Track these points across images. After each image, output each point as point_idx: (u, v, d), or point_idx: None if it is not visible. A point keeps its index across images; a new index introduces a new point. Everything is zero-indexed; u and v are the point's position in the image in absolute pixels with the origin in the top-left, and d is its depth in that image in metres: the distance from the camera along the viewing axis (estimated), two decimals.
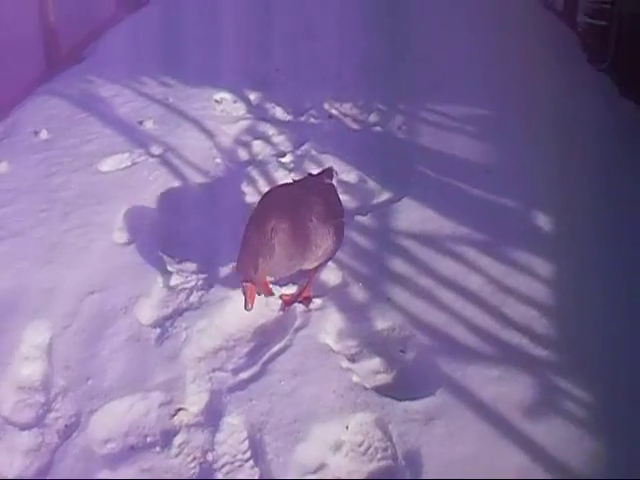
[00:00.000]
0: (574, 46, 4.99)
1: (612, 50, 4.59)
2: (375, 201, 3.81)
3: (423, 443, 2.64)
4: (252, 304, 2.86)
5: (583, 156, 3.91)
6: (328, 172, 3.45)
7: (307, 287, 3.21)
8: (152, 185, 3.93)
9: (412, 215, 3.63)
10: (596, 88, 4.49)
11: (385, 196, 3.83)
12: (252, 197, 3.80)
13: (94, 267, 3.44)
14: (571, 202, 3.62)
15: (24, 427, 2.86)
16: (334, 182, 3.43)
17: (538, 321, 3.05)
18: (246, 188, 3.91)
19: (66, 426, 2.84)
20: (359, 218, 3.67)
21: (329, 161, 4.04)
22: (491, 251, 3.38)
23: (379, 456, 2.67)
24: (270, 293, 2.93)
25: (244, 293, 2.86)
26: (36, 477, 2.69)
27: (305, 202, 3.02)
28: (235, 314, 3.15)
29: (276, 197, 3.09)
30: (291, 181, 3.49)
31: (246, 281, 2.84)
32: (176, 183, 3.95)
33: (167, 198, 3.85)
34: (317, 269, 3.20)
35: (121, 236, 3.65)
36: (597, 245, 3.36)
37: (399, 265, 3.35)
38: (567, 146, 4.01)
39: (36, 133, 4.45)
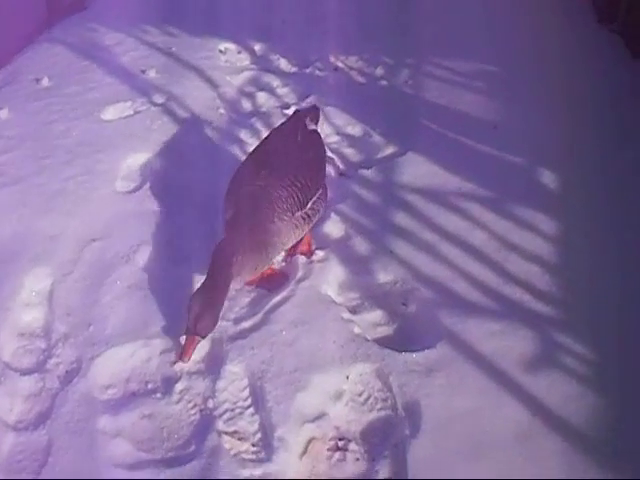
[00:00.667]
0: (584, 5, 4.92)
1: (622, 9, 4.53)
2: (380, 155, 3.79)
3: (423, 394, 2.65)
4: (189, 358, 2.70)
5: (591, 115, 3.87)
6: (314, 112, 3.32)
7: (305, 239, 3.19)
8: (154, 134, 3.89)
9: (417, 169, 3.61)
10: (606, 48, 4.44)
11: (390, 150, 3.80)
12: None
13: (96, 215, 3.43)
14: (577, 161, 3.59)
15: (25, 372, 2.87)
16: (320, 122, 3.35)
17: (541, 277, 3.04)
18: (250, 139, 3.88)
19: (67, 372, 2.85)
20: (363, 172, 3.64)
21: (334, 113, 4.01)
22: (496, 207, 3.36)
23: (379, 406, 2.69)
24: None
25: (185, 343, 2.69)
26: (37, 421, 2.70)
27: (267, 200, 2.87)
28: None
29: (238, 196, 2.93)
30: (271, 134, 3.26)
31: (195, 334, 2.69)
32: (179, 133, 3.92)
33: (170, 147, 3.82)
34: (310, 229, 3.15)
35: (123, 184, 3.63)
36: (602, 204, 3.34)
37: (403, 219, 3.33)
38: (575, 105, 3.97)
39: (37, 80, 4.41)
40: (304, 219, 2.94)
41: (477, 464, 2.46)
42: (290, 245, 2.99)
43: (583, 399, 2.61)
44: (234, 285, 2.82)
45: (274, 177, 2.92)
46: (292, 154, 3.04)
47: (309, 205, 2.95)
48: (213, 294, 2.70)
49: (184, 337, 2.71)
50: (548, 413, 2.58)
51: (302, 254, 3.17)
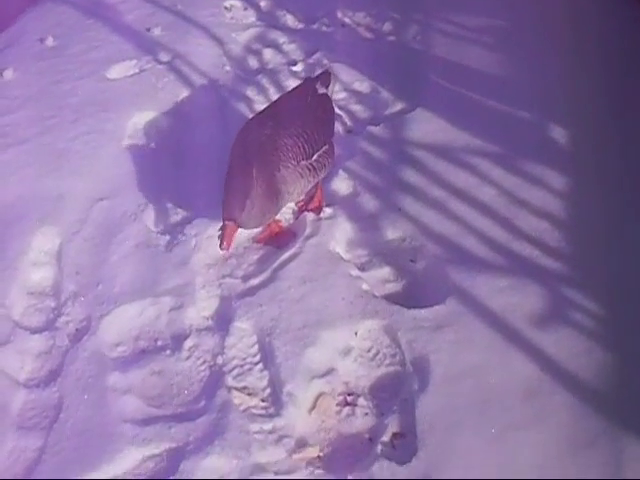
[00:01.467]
0: None
1: None
2: (388, 111, 3.75)
3: (431, 350, 2.66)
4: (229, 246, 2.73)
5: (602, 70, 3.81)
6: (325, 76, 3.28)
7: (316, 197, 3.18)
8: (160, 92, 3.86)
9: (425, 126, 3.58)
10: (618, 2, 4.37)
11: (398, 106, 3.77)
12: (262, 106, 3.72)
13: (102, 174, 3.42)
14: (588, 116, 3.54)
15: (35, 331, 2.89)
16: (332, 86, 3.29)
17: (550, 234, 3.02)
18: (256, 97, 3.85)
19: (77, 330, 2.87)
20: (371, 128, 3.61)
21: (341, 70, 3.96)
22: (505, 163, 3.33)
23: (387, 362, 2.69)
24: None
25: (223, 232, 2.73)
26: (47, 379, 2.72)
27: (272, 147, 2.87)
28: None
29: (246, 144, 2.92)
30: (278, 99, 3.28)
31: (230, 220, 2.71)
32: (185, 91, 3.89)
33: (176, 105, 3.79)
34: (321, 182, 3.17)
35: (129, 143, 3.61)
36: (612, 159, 3.30)
37: (411, 176, 3.31)
38: (585, 60, 3.91)
39: (42, 40, 4.37)
40: (309, 170, 2.92)
41: (485, 418, 2.47)
42: (296, 196, 2.97)
43: (591, 354, 2.61)
44: (247, 220, 2.78)
45: (281, 127, 2.93)
46: (300, 110, 3.04)
47: (315, 157, 2.94)
48: (237, 180, 2.75)
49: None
50: (556, 368, 2.58)
51: (312, 211, 3.15)
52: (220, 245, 2.72)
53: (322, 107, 3.13)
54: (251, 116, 3.30)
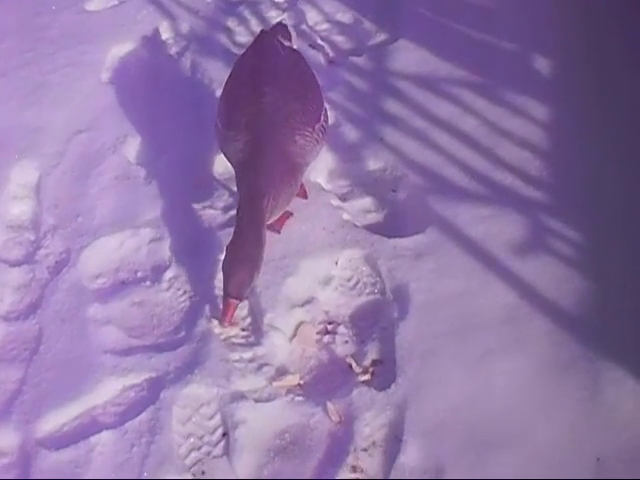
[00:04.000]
0: None
1: None
2: (370, 42, 3.70)
3: (412, 278, 2.65)
4: (230, 322, 2.52)
5: (590, 2, 3.75)
6: (282, 30, 2.99)
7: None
8: (140, 24, 3.80)
9: (408, 57, 3.52)
10: None
11: (381, 37, 3.71)
12: (243, 38, 3.69)
13: (81, 107, 3.38)
14: (573, 47, 3.50)
15: (14, 264, 2.88)
16: (293, 39, 3.11)
17: (532, 163, 3.00)
18: (237, 28, 3.78)
19: (56, 262, 2.85)
20: (353, 59, 3.56)
21: (323, 1, 3.89)
22: (487, 93, 3.29)
23: (367, 290, 2.69)
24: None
25: (225, 308, 2.49)
26: (27, 311, 2.72)
27: (282, 116, 2.59)
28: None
29: (246, 119, 2.60)
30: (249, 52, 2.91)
31: (235, 298, 2.47)
32: (165, 23, 3.82)
33: (155, 38, 3.73)
34: None
35: (108, 76, 3.56)
36: (595, 90, 3.27)
37: (393, 106, 3.27)
38: None
39: None
40: (322, 133, 2.72)
41: (465, 344, 2.47)
42: (311, 163, 2.76)
43: (571, 281, 2.61)
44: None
45: (280, 91, 2.65)
46: (286, 68, 2.78)
47: (322, 117, 2.75)
48: (244, 251, 2.46)
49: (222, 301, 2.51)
50: (536, 295, 2.58)
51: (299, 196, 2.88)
52: (222, 322, 2.51)
53: (303, 62, 2.88)
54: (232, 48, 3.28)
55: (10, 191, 3.08)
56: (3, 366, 2.58)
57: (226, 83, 2.84)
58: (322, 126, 2.73)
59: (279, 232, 2.78)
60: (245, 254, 2.46)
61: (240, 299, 2.47)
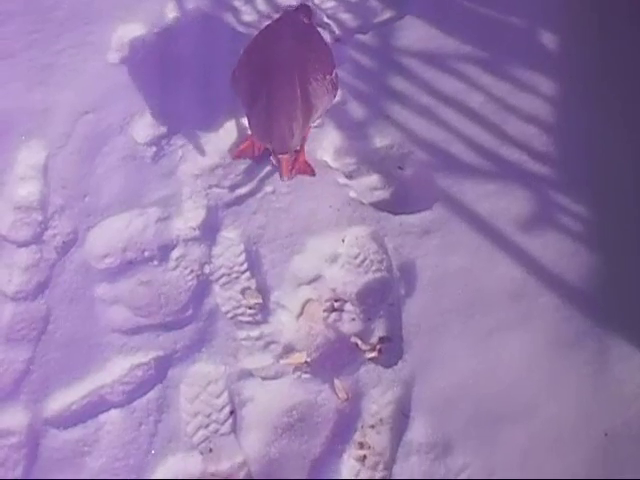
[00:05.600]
0: None
1: None
2: (376, 19, 3.67)
3: (418, 255, 2.66)
4: (289, 175, 2.58)
5: None
6: (304, 9, 3.08)
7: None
8: (146, 4, 3.75)
9: (414, 33, 3.50)
10: None
11: (387, 14, 3.68)
12: (249, 16, 3.66)
13: (88, 88, 3.36)
14: (578, 22, 3.48)
15: (22, 244, 2.88)
16: (314, 20, 3.15)
17: (538, 139, 3.00)
18: (243, 7, 3.75)
19: (64, 242, 2.86)
20: (360, 37, 3.54)
21: None
22: (494, 69, 3.27)
23: (374, 268, 2.70)
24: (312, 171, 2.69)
25: (280, 164, 2.51)
26: (35, 291, 2.73)
27: (303, 58, 2.68)
28: (232, 132, 3.09)
29: (265, 59, 2.69)
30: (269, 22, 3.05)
31: (283, 153, 2.49)
32: (170, 3, 3.77)
33: (161, 18, 3.69)
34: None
35: (115, 56, 3.54)
36: (601, 65, 3.25)
37: (399, 83, 3.26)
38: None
39: None
40: (332, 87, 2.77)
41: (471, 321, 2.49)
42: (321, 112, 2.79)
43: (578, 257, 2.62)
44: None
45: (297, 43, 2.74)
46: (303, 33, 2.88)
47: (334, 73, 2.81)
48: (274, 107, 2.48)
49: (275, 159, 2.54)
50: (542, 271, 2.59)
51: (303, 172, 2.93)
52: (281, 177, 2.55)
53: (319, 35, 2.97)
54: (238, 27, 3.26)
55: (18, 172, 3.08)
56: (12, 346, 2.60)
57: (246, 46, 2.89)
58: (333, 80, 2.78)
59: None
60: (280, 109, 2.47)
61: (289, 152, 2.50)
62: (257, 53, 2.76)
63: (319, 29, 3.45)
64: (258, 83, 2.60)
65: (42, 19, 3.74)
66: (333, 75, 2.80)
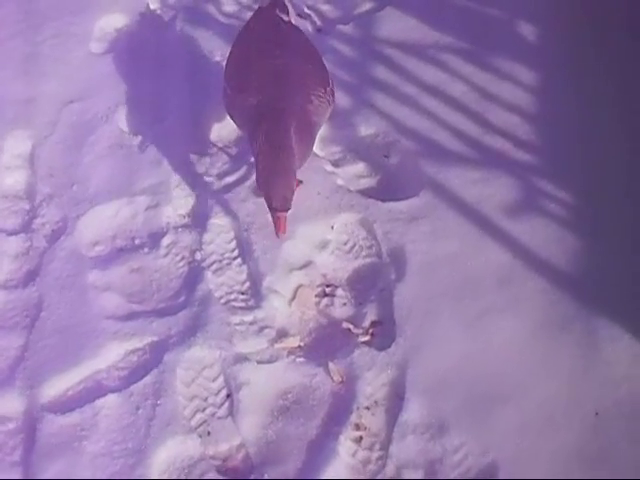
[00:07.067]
0: None
1: None
2: (357, 10, 3.70)
3: (407, 241, 2.70)
4: (284, 230, 2.50)
5: None
6: (280, 5, 2.94)
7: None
8: None
9: (395, 24, 3.54)
10: None
11: (368, 5, 3.71)
12: (230, 7, 3.65)
13: (72, 77, 3.37)
14: (559, 11, 3.53)
15: (11, 233, 2.90)
16: (291, 14, 3.06)
17: (521, 127, 3.04)
18: None
19: (53, 231, 2.87)
20: (341, 27, 3.57)
21: None
22: (475, 59, 3.32)
23: (364, 253, 2.73)
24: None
25: (276, 221, 2.47)
26: (26, 279, 2.74)
27: (299, 75, 2.62)
28: (221, 122, 3.10)
29: (260, 75, 2.61)
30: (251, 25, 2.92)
31: (283, 211, 2.46)
32: None
33: (143, 8, 3.70)
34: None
35: (98, 46, 3.54)
36: (582, 53, 3.30)
37: (383, 73, 3.29)
38: None
39: None
40: (332, 96, 2.73)
41: (461, 304, 2.53)
42: (320, 127, 2.72)
43: (564, 241, 2.66)
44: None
45: (291, 55, 2.68)
46: (291, 37, 2.84)
47: (330, 82, 2.76)
48: (280, 164, 2.44)
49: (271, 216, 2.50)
50: (529, 256, 2.64)
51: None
52: (277, 234, 2.49)
53: (303, 35, 2.93)
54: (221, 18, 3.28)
55: (4, 161, 3.09)
56: (4, 333, 2.61)
57: (231, 53, 2.86)
58: (332, 90, 2.75)
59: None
60: (281, 166, 2.44)
61: (287, 210, 2.45)
62: (246, 68, 2.69)
63: (300, 20, 3.53)
64: (253, 120, 2.55)
65: (24, 9, 3.74)
66: (331, 85, 2.76)
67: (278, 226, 2.47)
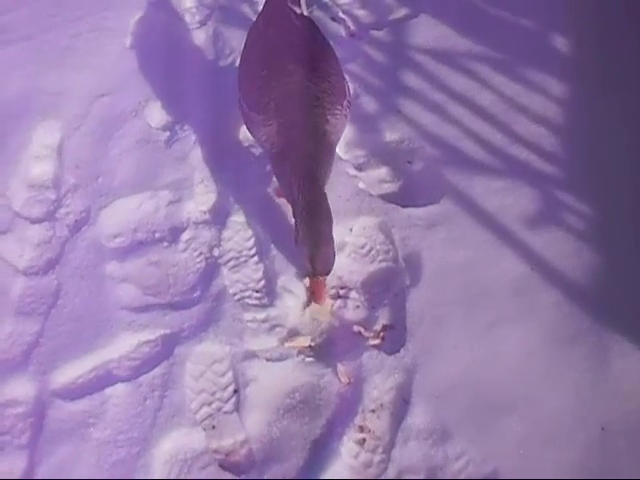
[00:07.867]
0: None
1: None
2: (391, 17, 3.71)
3: (424, 247, 2.70)
4: (324, 299, 2.52)
5: None
6: None
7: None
8: None
9: (428, 32, 3.54)
10: None
11: (402, 12, 3.72)
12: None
13: (104, 71, 3.42)
14: (591, 25, 3.51)
15: (35, 221, 2.94)
16: (303, 3, 3.00)
17: (547, 139, 3.03)
18: None
19: (76, 221, 2.91)
20: (374, 33, 3.58)
21: None
22: (506, 70, 3.31)
23: (380, 258, 2.74)
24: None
25: (315, 287, 2.49)
26: (46, 267, 2.78)
27: (314, 96, 2.58)
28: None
29: (276, 99, 2.59)
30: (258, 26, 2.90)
31: (325, 275, 2.46)
32: None
33: (179, 6, 3.74)
34: None
35: (131, 42, 3.58)
36: (614, 68, 3.28)
37: (412, 80, 3.30)
38: None
39: None
40: (349, 107, 2.72)
41: (473, 312, 2.53)
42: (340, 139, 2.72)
43: (581, 255, 2.65)
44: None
45: (305, 69, 2.62)
46: (304, 42, 2.77)
47: (347, 93, 2.74)
48: (321, 230, 2.44)
49: (308, 281, 2.54)
50: (545, 267, 2.63)
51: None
52: (318, 301, 2.50)
53: (316, 33, 2.87)
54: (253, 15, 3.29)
55: (32, 151, 3.14)
56: (21, 319, 2.65)
57: (242, 59, 2.85)
58: (348, 101, 2.73)
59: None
60: (323, 233, 2.43)
61: (328, 274, 2.46)
62: (262, 88, 2.65)
63: (334, 24, 3.55)
64: (281, 160, 2.57)
65: (59, 3, 3.80)
66: (348, 94, 2.74)
67: (319, 292, 2.48)
